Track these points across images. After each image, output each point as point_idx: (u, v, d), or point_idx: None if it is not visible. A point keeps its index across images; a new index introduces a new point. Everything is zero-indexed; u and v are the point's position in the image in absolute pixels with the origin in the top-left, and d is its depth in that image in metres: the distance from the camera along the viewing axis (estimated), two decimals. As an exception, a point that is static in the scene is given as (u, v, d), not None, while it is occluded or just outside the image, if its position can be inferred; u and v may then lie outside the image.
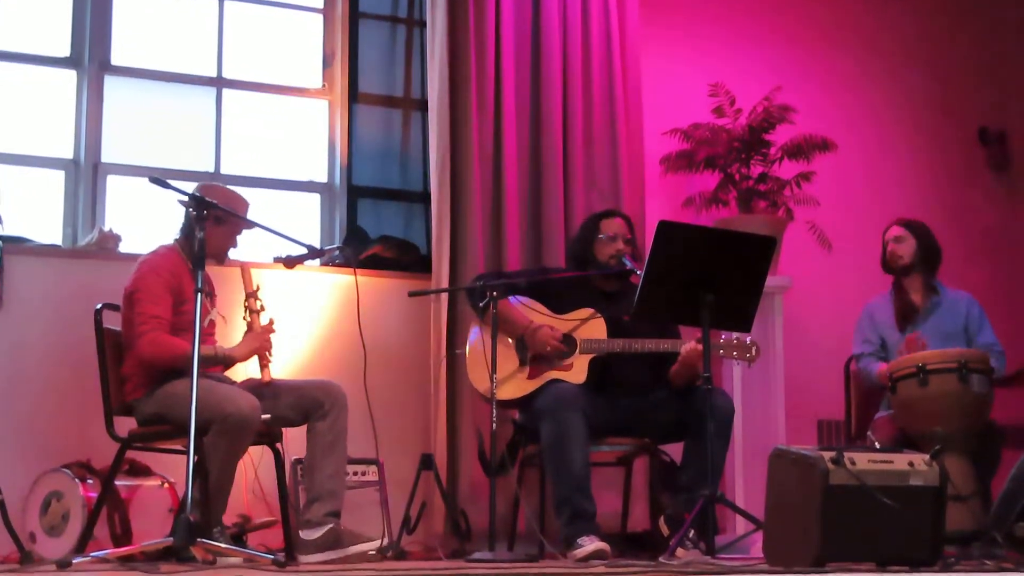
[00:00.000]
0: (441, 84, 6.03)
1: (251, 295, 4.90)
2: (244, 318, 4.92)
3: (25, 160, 5.79)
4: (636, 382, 5.19)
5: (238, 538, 4.96)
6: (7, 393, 5.29)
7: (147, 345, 4.64)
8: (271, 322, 4.87)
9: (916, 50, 7.49)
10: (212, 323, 4.93)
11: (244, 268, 4.95)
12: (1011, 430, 5.63)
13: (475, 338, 5.22)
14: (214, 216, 4.71)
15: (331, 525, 4.67)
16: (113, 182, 5.88)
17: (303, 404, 4.81)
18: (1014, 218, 7.64)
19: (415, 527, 5.37)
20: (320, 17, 6.47)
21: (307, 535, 4.68)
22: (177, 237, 4.92)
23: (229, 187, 5.03)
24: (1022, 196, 7.67)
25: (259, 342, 4.81)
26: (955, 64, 7.57)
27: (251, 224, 4.87)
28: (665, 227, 4.71)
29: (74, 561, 3.98)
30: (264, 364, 4.80)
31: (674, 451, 5.20)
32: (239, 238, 4.95)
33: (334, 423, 4.79)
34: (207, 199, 4.50)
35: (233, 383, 4.87)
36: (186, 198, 4.45)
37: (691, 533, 4.60)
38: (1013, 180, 7.67)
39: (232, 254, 4.99)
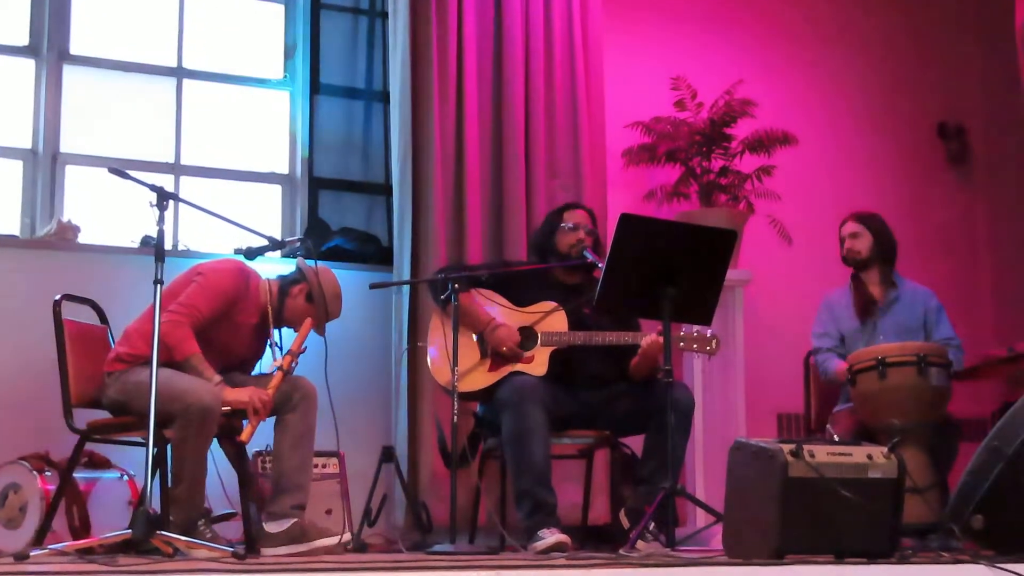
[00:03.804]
0: (403, 76, 6.02)
1: (294, 353, 4.83)
2: (271, 366, 4.85)
3: (-18, 150, 5.74)
4: (597, 375, 5.19)
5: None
6: (-36, 385, 5.25)
7: (169, 325, 4.53)
8: (275, 390, 4.71)
9: (876, 45, 7.53)
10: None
11: (309, 325, 4.90)
12: (968, 423, 5.68)
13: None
14: (308, 292, 4.90)
15: (296, 519, 4.66)
16: (72, 172, 5.83)
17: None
18: (972, 212, 7.70)
19: (376, 519, 5.36)
20: (282, 7, 6.44)
21: (272, 527, 4.66)
22: (282, 278, 4.99)
23: (340, 294, 5.03)
24: (980, 190, 7.73)
25: (252, 398, 4.62)
26: (914, 59, 7.62)
27: (322, 331, 4.92)
28: (627, 220, 4.71)
29: (32, 554, 3.93)
30: (251, 423, 4.63)
31: (635, 444, 5.21)
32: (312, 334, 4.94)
33: (304, 416, 4.77)
34: (316, 277, 4.84)
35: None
36: (303, 263, 4.84)
37: (651, 525, 4.61)
38: (971, 175, 7.73)
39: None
